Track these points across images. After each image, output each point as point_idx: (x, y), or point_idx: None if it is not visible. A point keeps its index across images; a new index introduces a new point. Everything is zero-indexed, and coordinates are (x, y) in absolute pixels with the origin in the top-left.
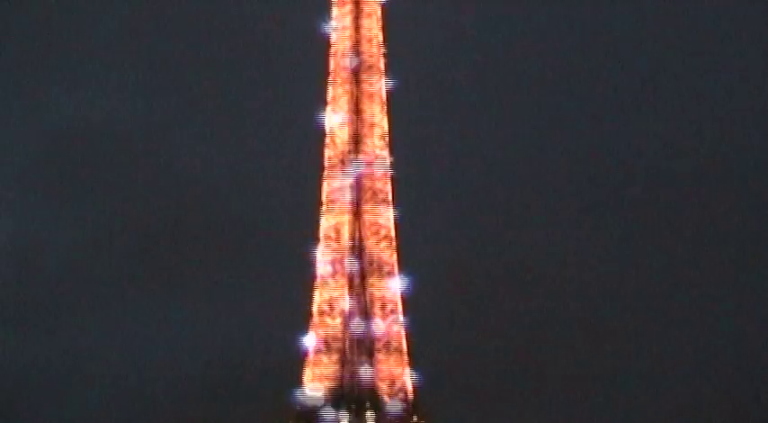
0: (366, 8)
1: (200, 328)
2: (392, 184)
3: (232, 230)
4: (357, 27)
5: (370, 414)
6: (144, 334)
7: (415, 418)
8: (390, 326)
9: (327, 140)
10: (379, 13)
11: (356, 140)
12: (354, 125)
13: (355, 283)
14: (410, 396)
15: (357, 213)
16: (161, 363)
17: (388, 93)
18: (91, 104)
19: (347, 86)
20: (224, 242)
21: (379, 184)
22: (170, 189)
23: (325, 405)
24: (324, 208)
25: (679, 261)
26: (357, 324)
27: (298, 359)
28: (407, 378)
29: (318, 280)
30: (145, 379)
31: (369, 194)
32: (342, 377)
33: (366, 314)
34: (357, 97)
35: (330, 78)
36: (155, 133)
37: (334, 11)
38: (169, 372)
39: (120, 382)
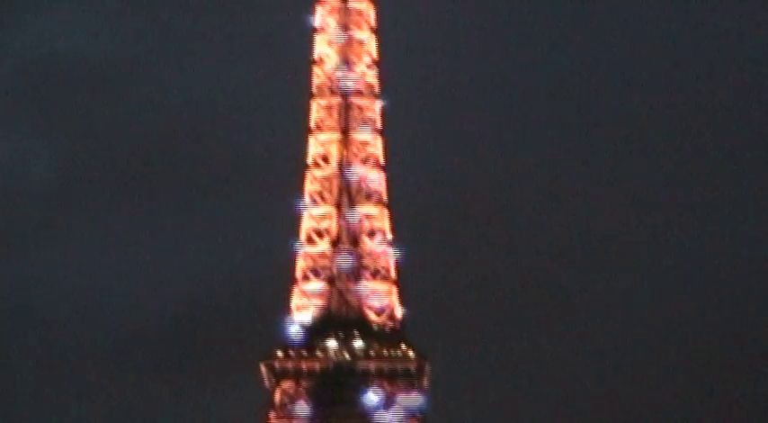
0: None
1: (184, 255)
2: (382, 111)
3: (216, 157)
4: None
5: (357, 339)
6: (126, 261)
7: (403, 345)
8: (379, 250)
9: (315, 65)
10: None
11: (346, 64)
12: (344, 50)
13: (343, 208)
14: (398, 322)
15: (345, 137)
16: (143, 290)
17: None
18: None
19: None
20: (208, 168)
21: (368, 113)
22: (149, 117)
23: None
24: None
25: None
26: (345, 248)
27: (286, 283)
28: (396, 304)
29: (306, 204)
30: (128, 306)
31: (358, 120)
32: (330, 301)
33: (354, 239)
34: (346, 21)
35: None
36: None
37: None
38: (153, 299)
39: (100, 309)
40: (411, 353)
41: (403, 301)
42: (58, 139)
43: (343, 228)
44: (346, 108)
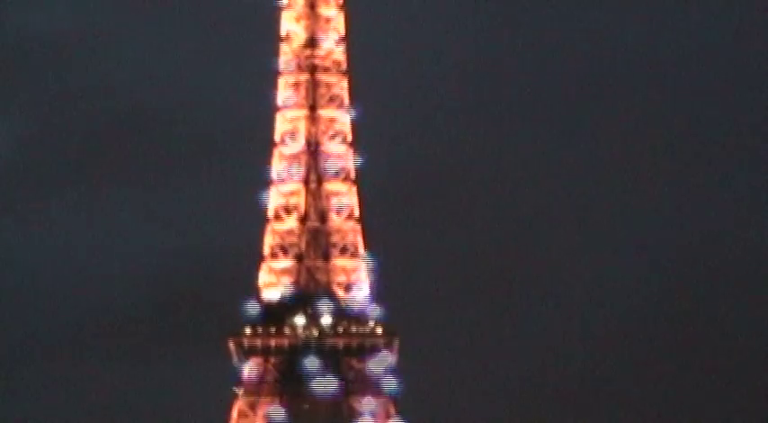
0: None
1: (151, 233)
2: (349, 87)
3: (183, 135)
4: None
5: (326, 316)
6: (91, 241)
7: (372, 323)
8: (346, 227)
9: (283, 42)
10: None
11: (313, 41)
12: (311, 26)
13: (311, 185)
14: (366, 297)
15: (313, 115)
16: (110, 269)
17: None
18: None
19: None
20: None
21: (335, 89)
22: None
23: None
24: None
25: None
26: (313, 225)
27: (254, 260)
28: (365, 279)
29: (274, 182)
30: (94, 286)
31: (325, 97)
32: (298, 278)
33: (322, 216)
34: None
35: None
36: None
37: None
38: (120, 278)
39: (65, 290)
40: (379, 329)
41: (371, 277)
42: (17, 118)
43: (310, 205)
44: (314, 85)
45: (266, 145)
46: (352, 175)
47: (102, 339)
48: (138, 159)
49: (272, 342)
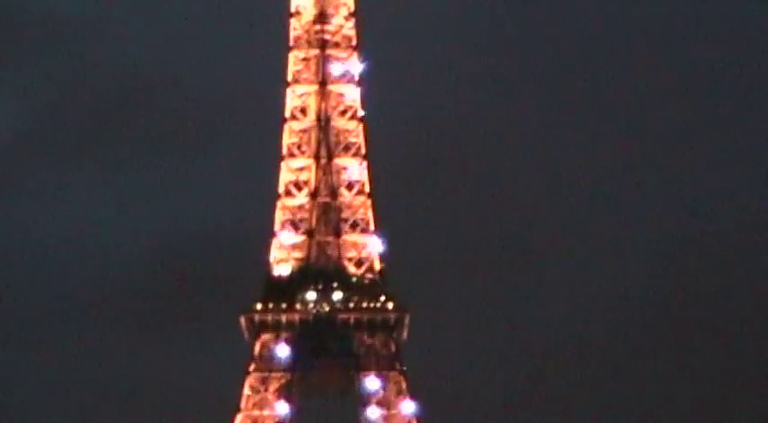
0: None
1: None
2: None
3: (195, 110)
4: None
5: (337, 292)
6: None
7: (383, 298)
8: (357, 202)
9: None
10: None
11: (323, 17)
12: (321, 1)
13: (322, 160)
14: (377, 272)
15: (323, 90)
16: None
17: None
18: None
19: None
20: (187, 120)
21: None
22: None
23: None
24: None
25: None
26: (323, 201)
27: (265, 235)
28: (375, 254)
29: (285, 158)
30: (106, 261)
31: (335, 74)
32: (309, 254)
33: (333, 191)
34: None
35: None
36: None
37: None
38: (131, 253)
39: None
40: (390, 304)
41: (383, 252)
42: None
43: (321, 180)
44: (324, 60)
45: (276, 121)
46: (363, 150)
47: (108, 317)
48: (151, 135)
49: (283, 318)
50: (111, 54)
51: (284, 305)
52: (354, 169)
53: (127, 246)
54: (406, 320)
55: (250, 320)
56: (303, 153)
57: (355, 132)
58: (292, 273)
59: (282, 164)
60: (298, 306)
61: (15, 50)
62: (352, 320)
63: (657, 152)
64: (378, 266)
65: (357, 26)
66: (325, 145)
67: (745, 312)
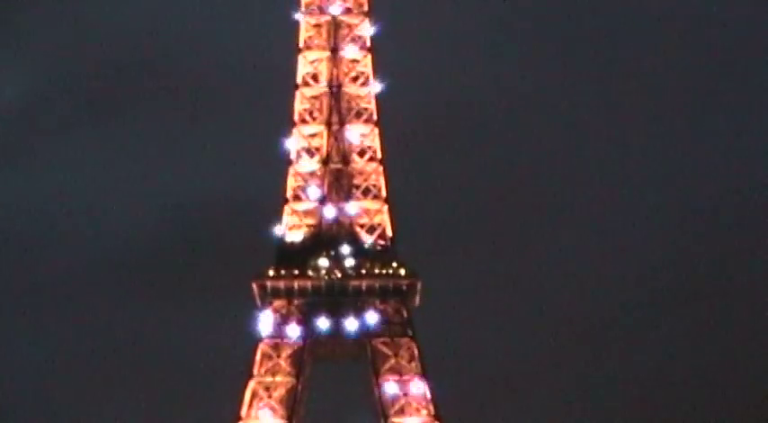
0: None
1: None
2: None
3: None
4: None
5: (349, 258)
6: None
7: (394, 264)
8: (369, 168)
9: None
10: None
11: None
12: None
13: (333, 126)
14: (389, 240)
15: (335, 56)
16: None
17: None
18: None
19: None
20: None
21: (357, 31)
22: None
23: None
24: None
25: None
26: (335, 167)
27: (277, 202)
28: (387, 222)
29: (296, 124)
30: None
31: (347, 38)
32: (321, 219)
33: (344, 158)
34: None
35: None
36: None
37: None
38: (143, 220)
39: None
40: (402, 271)
41: (394, 219)
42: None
43: (333, 146)
44: (335, 26)
45: (288, 87)
46: (375, 116)
47: (125, 281)
48: (163, 101)
49: (295, 284)
50: (123, 20)
51: (296, 272)
52: (366, 135)
53: (140, 213)
54: (419, 287)
55: (262, 287)
56: (315, 119)
57: (367, 99)
58: (304, 239)
59: (294, 130)
60: (310, 272)
61: (24, 20)
62: (364, 287)
63: (664, 131)
64: (389, 233)
65: None
66: (337, 111)
67: (746, 286)
